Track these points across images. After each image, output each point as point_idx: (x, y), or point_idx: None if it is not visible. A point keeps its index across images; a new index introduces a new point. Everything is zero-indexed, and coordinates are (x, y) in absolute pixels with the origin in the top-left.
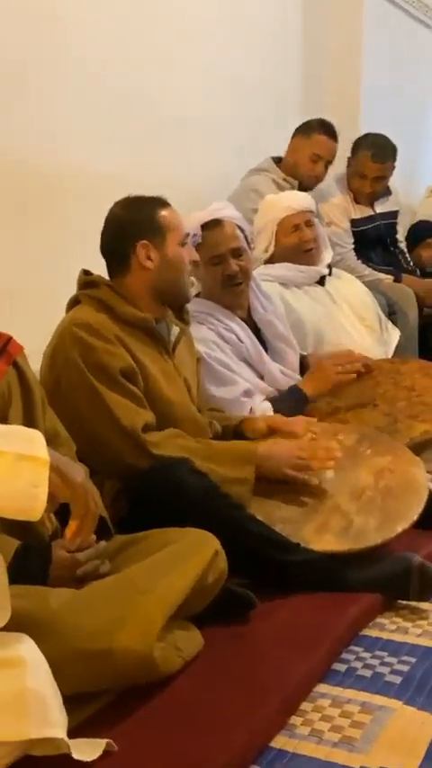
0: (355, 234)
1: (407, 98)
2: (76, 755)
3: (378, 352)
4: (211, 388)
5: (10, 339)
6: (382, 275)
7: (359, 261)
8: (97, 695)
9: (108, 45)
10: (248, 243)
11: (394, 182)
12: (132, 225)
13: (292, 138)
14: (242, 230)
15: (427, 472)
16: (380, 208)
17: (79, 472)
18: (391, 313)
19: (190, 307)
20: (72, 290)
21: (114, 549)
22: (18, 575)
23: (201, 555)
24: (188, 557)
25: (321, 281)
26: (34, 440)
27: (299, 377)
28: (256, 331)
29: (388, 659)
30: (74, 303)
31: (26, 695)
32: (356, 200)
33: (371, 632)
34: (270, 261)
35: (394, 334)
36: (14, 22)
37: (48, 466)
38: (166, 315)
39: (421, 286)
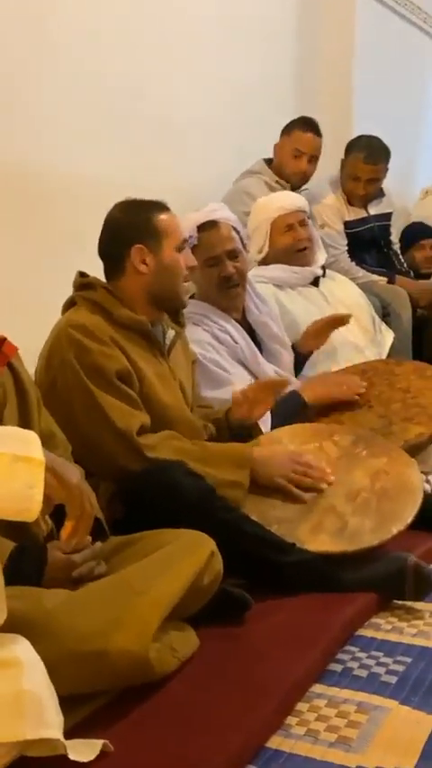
0: (348, 236)
1: (400, 99)
2: (72, 756)
3: (372, 353)
4: (206, 389)
5: (5, 340)
6: (375, 277)
7: (353, 263)
8: (93, 696)
9: (106, 46)
10: (244, 245)
11: (388, 183)
12: (129, 228)
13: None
14: (237, 232)
15: (422, 473)
16: (373, 210)
17: (75, 473)
18: (385, 314)
19: (185, 308)
20: (68, 291)
21: (110, 551)
22: (13, 576)
23: (196, 556)
24: (184, 558)
25: (315, 283)
26: (30, 441)
27: (294, 378)
28: (251, 332)
29: (383, 659)
30: (70, 305)
31: (22, 696)
32: (350, 202)
33: (366, 632)
34: (264, 262)
35: (388, 336)
36: (13, 22)
37: (43, 467)
38: (162, 318)
39: (415, 287)
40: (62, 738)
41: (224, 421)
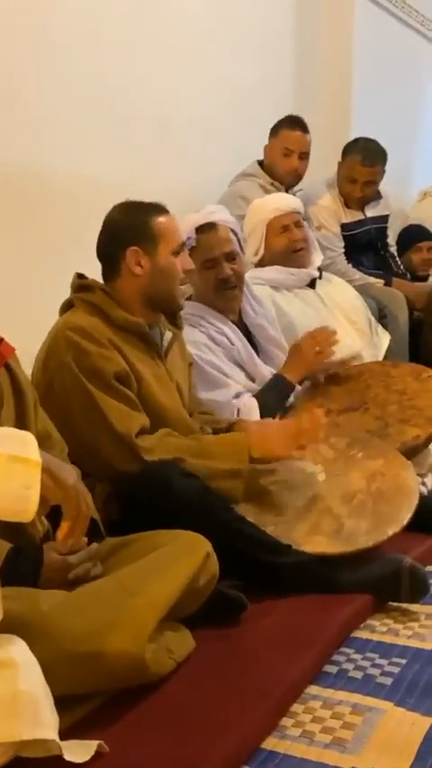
0: (345, 238)
1: (397, 102)
2: (67, 757)
3: (369, 355)
4: (202, 390)
5: (2, 341)
6: (372, 279)
7: (350, 265)
8: (89, 697)
9: (106, 46)
10: (241, 247)
11: (385, 185)
12: (125, 230)
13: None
14: (236, 234)
15: (418, 475)
16: (370, 212)
17: (71, 474)
18: (382, 317)
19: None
20: (66, 292)
21: (106, 552)
22: (9, 577)
23: (192, 557)
24: (180, 559)
25: (312, 285)
26: (26, 442)
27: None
28: (248, 334)
29: (379, 661)
30: (67, 307)
31: (17, 697)
32: (347, 205)
33: (362, 634)
34: (260, 264)
35: (384, 338)
36: (13, 22)
37: (40, 468)
38: (159, 320)
39: (411, 289)
40: (57, 739)
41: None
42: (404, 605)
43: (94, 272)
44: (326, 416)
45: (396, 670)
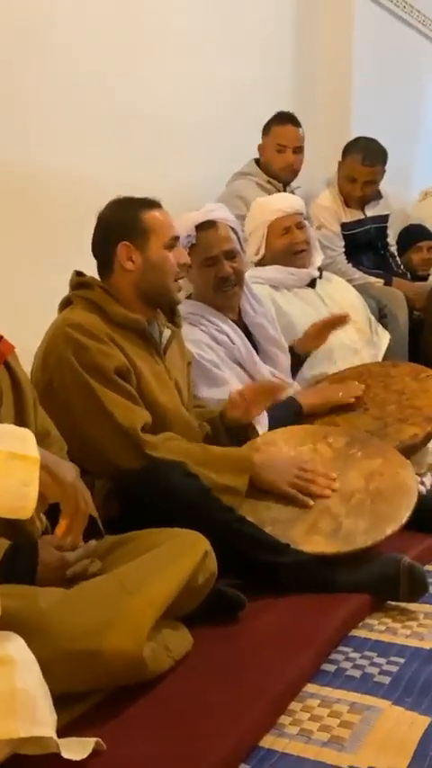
0: (345, 237)
1: (398, 101)
2: (65, 754)
3: (368, 354)
4: (202, 388)
5: (1, 338)
6: (372, 278)
7: (349, 264)
8: (87, 695)
9: (105, 47)
10: (241, 245)
11: (386, 185)
12: (115, 226)
13: None
14: (236, 232)
15: (417, 475)
16: (370, 211)
17: (70, 471)
18: (382, 316)
19: (182, 308)
20: (64, 291)
21: (104, 550)
22: (7, 575)
23: (191, 556)
24: (178, 557)
25: (312, 284)
26: (26, 439)
27: (290, 379)
28: (247, 333)
29: (377, 660)
30: (66, 304)
31: (15, 694)
32: (347, 204)
33: (360, 633)
34: (261, 263)
35: (384, 338)
36: (13, 22)
37: (38, 465)
38: (157, 316)
39: (411, 289)
40: (55, 737)
41: (219, 420)
42: (402, 604)
43: (94, 270)
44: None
45: (394, 669)
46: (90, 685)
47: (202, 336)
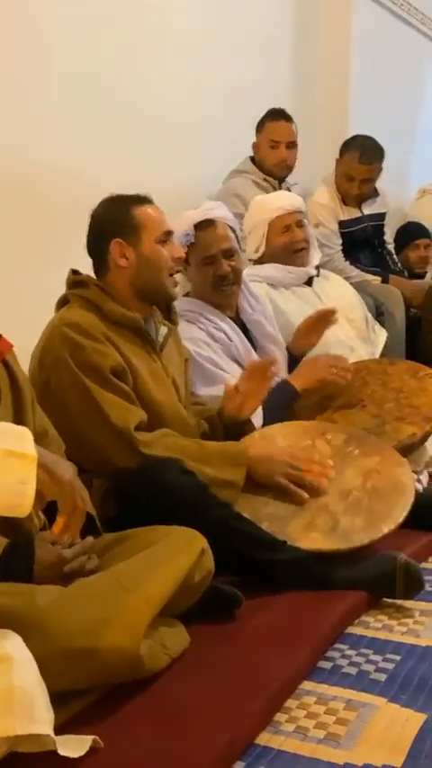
0: (342, 235)
1: (396, 100)
2: (62, 752)
3: (365, 352)
4: (200, 386)
5: (0, 337)
6: (369, 276)
7: (347, 262)
8: (84, 692)
9: (105, 46)
10: (239, 244)
11: (384, 183)
12: (107, 223)
13: None
14: (234, 231)
15: (414, 473)
16: (367, 209)
17: (67, 469)
18: (379, 314)
19: (180, 306)
20: (60, 289)
21: (102, 547)
22: (5, 572)
23: (187, 553)
24: (175, 555)
25: (309, 282)
26: (23, 437)
27: (285, 375)
28: (245, 331)
29: (373, 657)
30: (63, 303)
31: (12, 692)
32: (344, 202)
33: (356, 630)
34: (259, 261)
35: (381, 335)
36: (13, 22)
37: (36, 463)
38: (154, 314)
39: (408, 287)
40: (52, 734)
41: (217, 418)
42: (399, 602)
43: (89, 269)
44: (323, 414)
45: (390, 666)
46: (87, 683)
47: (200, 334)
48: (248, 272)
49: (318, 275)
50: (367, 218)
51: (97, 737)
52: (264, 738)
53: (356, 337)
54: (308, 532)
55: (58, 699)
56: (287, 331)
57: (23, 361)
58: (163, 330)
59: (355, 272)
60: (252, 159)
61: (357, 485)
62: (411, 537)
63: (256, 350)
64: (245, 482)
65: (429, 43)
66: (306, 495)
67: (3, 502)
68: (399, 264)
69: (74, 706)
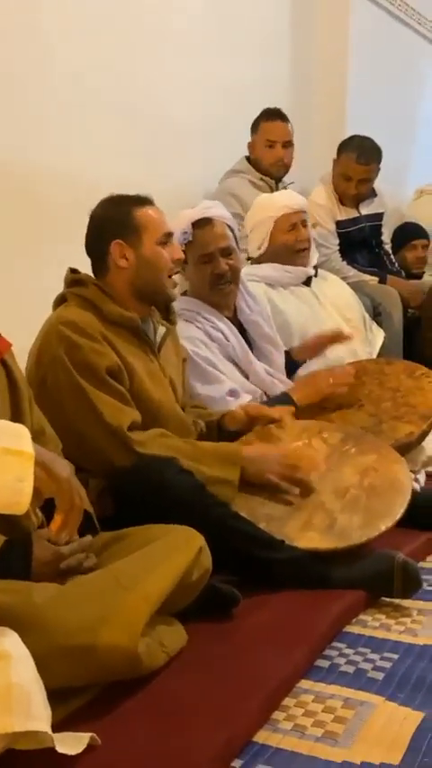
0: (340, 235)
1: (393, 100)
2: (60, 749)
3: (363, 352)
4: (197, 386)
5: None
6: (367, 276)
7: (344, 262)
8: (82, 690)
9: (104, 46)
10: (237, 243)
11: (381, 183)
12: (108, 224)
13: None
14: (231, 230)
15: (411, 472)
16: (365, 209)
17: (64, 467)
18: (376, 314)
19: (177, 305)
20: (59, 288)
21: (99, 546)
22: (2, 570)
23: (185, 552)
24: (173, 553)
25: (307, 282)
26: (21, 435)
27: (285, 378)
28: (242, 331)
29: (371, 656)
30: (60, 301)
31: (10, 690)
32: (342, 202)
33: (354, 629)
34: (258, 261)
35: (379, 335)
36: (12, 23)
37: (33, 460)
38: (152, 314)
39: (406, 287)
40: (50, 731)
41: (216, 426)
42: (396, 601)
43: (87, 268)
44: (320, 414)
45: (388, 665)
46: (85, 680)
47: (198, 333)
48: (247, 271)
49: (316, 275)
50: (365, 218)
51: (95, 735)
52: (262, 736)
53: (354, 338)
54: (305, 531)
55: (55, 696)
56: (285, 331)
57: (22, 360)
58: (161, 330)
59: (352, 272)
60: (248, 159)
61: (354, 483)
62: (409, 536)
63: (252, 350)
64: (242, 482)
65: (426, 44)
66: (296, 491)
67: (0, 499)
68: (396, 265)
69: (72, 703)
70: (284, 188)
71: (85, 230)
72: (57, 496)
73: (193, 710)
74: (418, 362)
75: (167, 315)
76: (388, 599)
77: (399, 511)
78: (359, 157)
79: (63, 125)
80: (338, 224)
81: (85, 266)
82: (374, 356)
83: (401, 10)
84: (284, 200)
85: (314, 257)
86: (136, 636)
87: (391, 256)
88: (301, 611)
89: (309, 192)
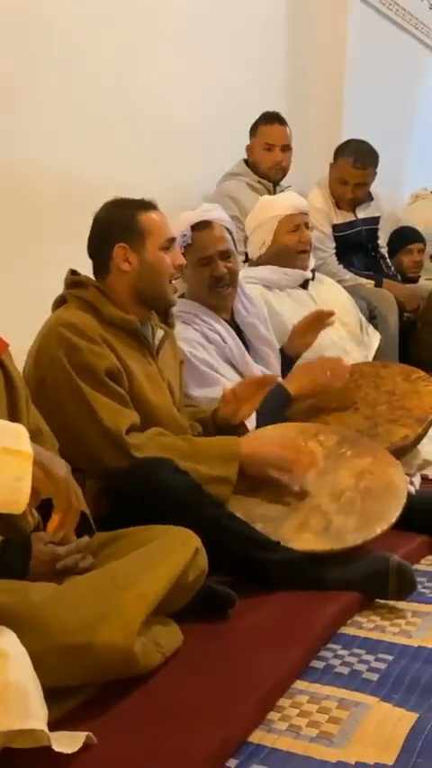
0: (336, 239)
1: (390, 104)
2: (56, 748)
3: (359, 356)
4: (194, 387)
5: None
6: (363, 280)
7: (340, 265)
8: (78, 689)
9: (104, 47)
10: (235, 246)
11: (377, 187)
12: (112, 227)
13: None
14: (230, 233)
15: (406, 475)
16: (361, 213)
17: (62, 467)
18: (372, 317)
19: (175, 307)
20: (58, 289)
21: (96, 547)
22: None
23: (181, 552)
24: (169, 554)
25: (304, 285)
26: (19, 434)
27: (281, 379)
28: (239, 333)
29: (365, 657)
30: (60, 303)
31: (7, 688)
32: (338, 206)
33: (349, 630)
34: (256, 263)
35: (375, 338)
36: (12, 23)
37: (31, 460)
38: (151, 317)
39: (402, 291)
40: (46, 730)
41: (210, 420)
42: (391, 603)
43: (91, 270)
44: (316, 417)
45: (382, 666)
46: (81, 679)
47: (195, 335)
48: (244, 273)
49: (313, 279)
50: (361, 221)
51: (91, 734)
52: (257, 736)
53: (350, 340)
54: (301, 533)
55: (52, 695)
56: (281, 332)
57: (20, 361)
58: (159, 333)
59: (348, 275)
60: (246, 162)
61: (350, 485)
62: (404, 539)
63: (249, 352)
64: (239, 483)
65: (423, 48)
66: (296, 487)
67: None
68: (392, 268)
69: (68, 702)
70: (282, 191)
71: (84, 230)
72: (54, 496)
73: (188, 710)
74: (413, 366)
75: (166, 318)
76: (383, 601)
77: (394, 514)
78: (356, 161)
79: (63, 125)
80: (335, 227)
81: (85, 267)
82: (370, 359)
83: (399, 15)
84: (289, 200)
85: (312, 260)
86: (132, 635)
87: (388, 260)
88: (297, 613)
89: (305, 196)
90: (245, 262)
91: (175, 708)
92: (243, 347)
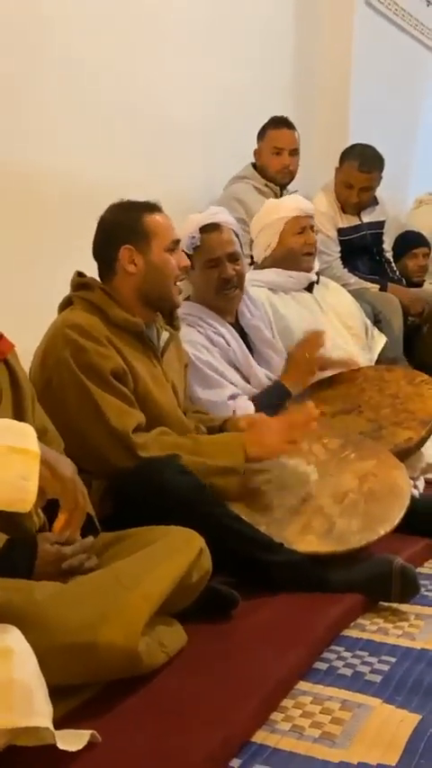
0: (341, 243)
1: (395, 109)
2: (60, 745)
3: (364, 360)
4: (198, 390)
5: (1, 336)
6: (368, 284)
7: (345, 269)
8: (82, 688)
9: (104, 47)
10: (242, 249)
11: (382, 192)
12: (117, 229)
13: None
14: (237, 236)
15: (410, 478)
16: (366, 217)
17: (69, 467)
18: (377, 321)
19: (180, 309)
20: (65, 291)
21: (100, 547)
22: (4, 569)
23: (186, 553)
24: (173, 554)
25: (309, 288)
26: (26, 434)
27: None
28: (243, 336)
29: (368, 659)
30: (66, 304)
31: (12, 685)
32: (343, 210)
33: (352, 632)
34: (261, 266)
35: (380, 340)
36: (12, 23)
37: (38, 459)
38: (156, 319)
39: (406, 295)
40: (51, 727)
41: (217, 430)
42: (394, 605)
43: (95, 271)
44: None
45: (385, 668)
46: (85, 678)
47: (199, 338)
48: (250, 276)
49: (318, 282)
50: (366, 225)
51: (95, 732)
52: (260, 736)
53: (355, 345)
54: (304, 535)
55: (56, 693)
56: (286, 336)
57: (24, 361)
58: (164, 335)
59: (353, 279)
60: (254, 165)
61: (353, 487)
62: (408, 542)
63: (253, 355)
64: (240, 488)
65: (428, 53)
66: (307, 446)
67: (5, 497)
68: (397, 273)
69: (72, 701)
70: (288, 194)
71: (84, 230)
72: (61, 496)
73: (192, 710)
74: (417, 370)
75: (171, 320)
76: (386, 603)
77: (397, 516)
78: (361, 165)
79: (63, 125)
80: (340, 231)
81: (85, 267)
82: (374, 362)
83: (404, 19)
84: (295, 203)
85: (317, 264)
86: (136, 635)
87: (392, 264)
88: (300, 614)
89: (310, 200)
90: (250, 265)
91: (178, 707)
92: (247, 350)
